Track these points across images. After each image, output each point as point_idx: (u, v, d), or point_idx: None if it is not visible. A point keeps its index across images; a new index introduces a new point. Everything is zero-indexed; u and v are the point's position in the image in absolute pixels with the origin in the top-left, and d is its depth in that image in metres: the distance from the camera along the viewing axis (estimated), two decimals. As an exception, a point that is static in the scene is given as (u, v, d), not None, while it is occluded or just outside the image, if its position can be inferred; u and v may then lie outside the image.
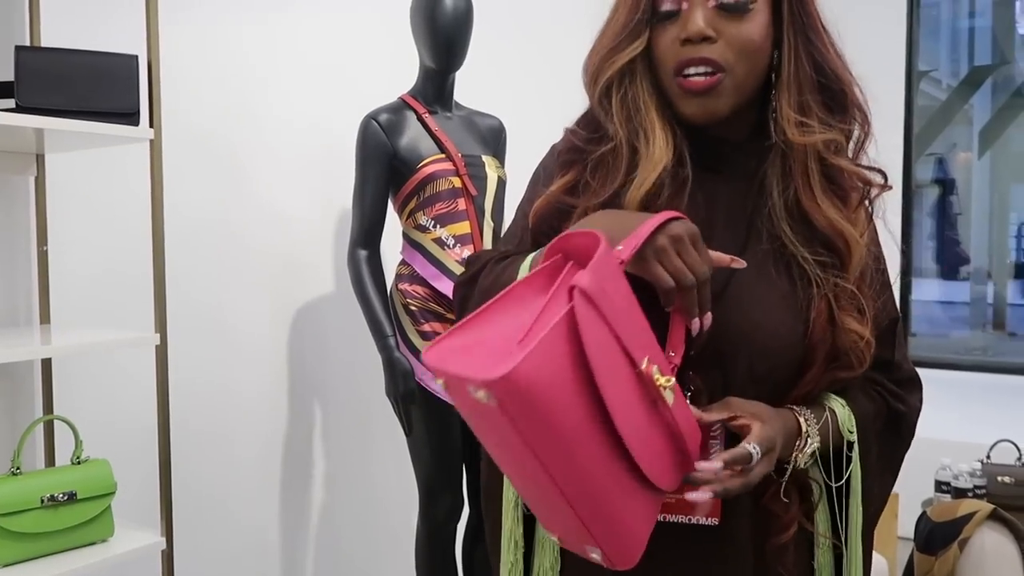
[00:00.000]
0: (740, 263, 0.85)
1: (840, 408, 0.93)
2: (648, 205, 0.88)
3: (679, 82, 0.89)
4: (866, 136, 0.94)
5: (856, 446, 0.93)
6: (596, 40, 0.96)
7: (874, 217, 0.97)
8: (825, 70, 0.91)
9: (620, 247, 0.78)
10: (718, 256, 0.84)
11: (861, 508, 0.94)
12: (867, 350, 0.91)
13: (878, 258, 0.97)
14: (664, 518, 0.87)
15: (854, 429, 0.93)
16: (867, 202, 0.95)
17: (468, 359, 0.70)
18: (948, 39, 6.97)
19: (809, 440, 0.89)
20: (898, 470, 1.02)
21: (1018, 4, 6.89)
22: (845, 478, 0.93)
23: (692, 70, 0.88)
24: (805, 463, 0.90)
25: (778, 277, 0.91)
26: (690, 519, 0.89)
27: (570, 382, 0.68)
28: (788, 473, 0.89)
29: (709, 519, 0.89)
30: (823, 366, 0.90)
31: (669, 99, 0.92)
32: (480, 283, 0.96)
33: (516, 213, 1.05)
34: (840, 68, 0.92)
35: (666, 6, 0.89)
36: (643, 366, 0.73)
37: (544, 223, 0.96)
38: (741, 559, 0.91)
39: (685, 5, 0.89)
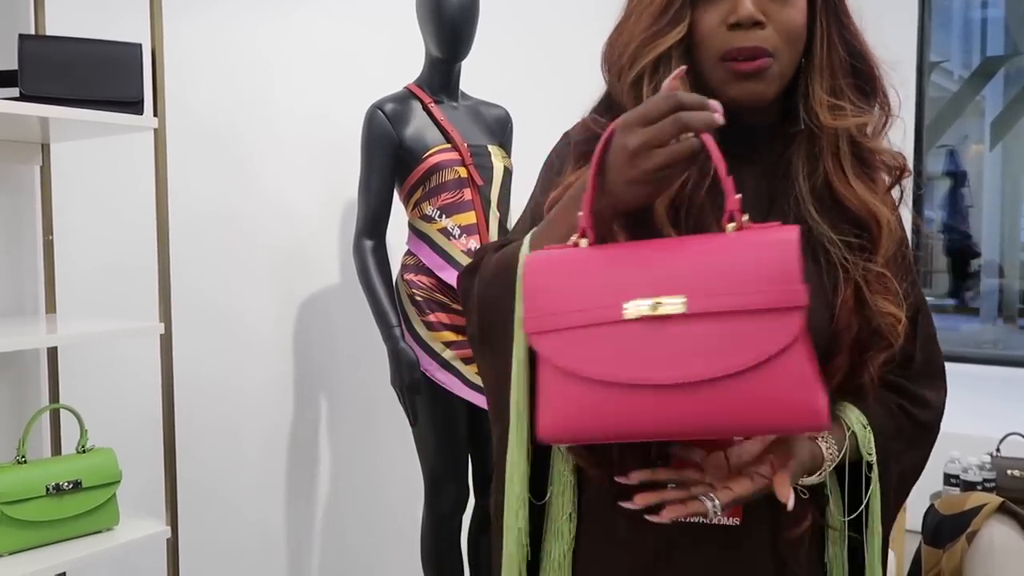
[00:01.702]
0: (680, 72, 0.79)
1: (860, 429, 0.91)
2: (674, 198, 0.86)
3: (728, 66, 0.85)
4: (887, 120, 0.92)
5: (876, 467, 0.91)
6: (623, 22, 0.91)
7: (900, 204, 0.95)
8: (858, 53, 0.90)
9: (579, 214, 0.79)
10: (662, 92, 0.78)
11: (880, 529, 0.93)
12: (903, 331, 0.89)
13: (904, 242, 0.96)
14: (685, 518, 0.85)
15: (873, 452, 0.91)
16: (898, 186, 0.94)
17: None
18: (960, 29, 6.91)
19: (824, 472, 0.88)
20: (918, 478, 1.00)
21: (1032, -6, 6.81)
22: (865, 500, 0.91)
23: (742, 56, 0.85)
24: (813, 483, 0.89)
25: (803, 262, 0.89)
26: (711, 519, 0.87)
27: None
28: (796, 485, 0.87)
29: (731, 519, 0.87)
30: (849, 354, 0.88)
31: (708, 85, 0.87)
32: (481, 272, 0.93)
33: (528, 203, 1.02)
34: (870, 52, 0.91)
35: None
36: (625, 315, 0.73)
37: None
38: (760, 557, 0.90)
39: None
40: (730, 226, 0.74)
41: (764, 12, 0.84)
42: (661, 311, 0.72)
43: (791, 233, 0.72)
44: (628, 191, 0.78)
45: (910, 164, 0.98)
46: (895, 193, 0.94)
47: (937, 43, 5.31)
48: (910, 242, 0.99)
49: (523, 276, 0.78)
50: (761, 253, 0.72)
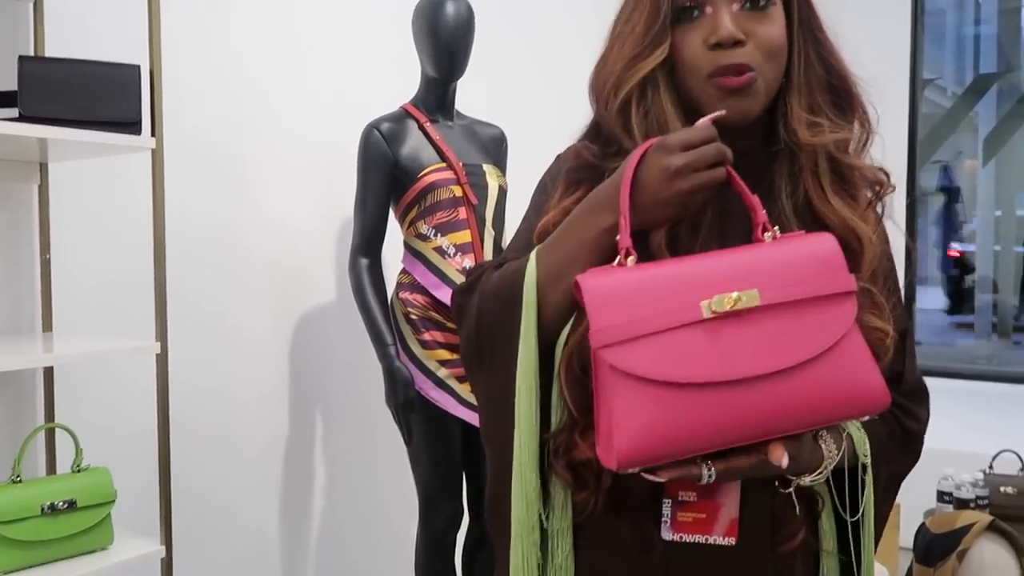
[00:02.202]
0: (721, 113, 0.84)
1: (856, 431, 0.91)
2: (673, 225, 0.86)
3: (715, 83, 0.86)
4: (868, 137, 0.93)
5: (870, 470, 0.91)
6: (608, 49, 0.92)
7: (883, 218, 0.96)
8: (834, 70, 0.91)
9: (619, 236, 0.80)
10: (701, 122, 0.83)
11: (873, 531, 0.93)
12: (892, 346, 0.89)
13: (889, 258, 0.96)
14: (680, 538, 0.86)
15: (868, 453, 0.91)
16: (878, 202, 0.94)
17: None
18: (953, 47, 6.96)
19: (825, 471, 0.87)
20: (899, 487, 1.01)
21: (1024, 11, 6.87)
22: (862, 506, 0.91)
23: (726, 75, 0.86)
24: (812, 482, 0.88)
25: None
26: (707, 539, 0.87)
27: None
28: (793, 485, 0.86)
29: (727, 538, 0.87)
30: None
31: (696, 104, 0.88)
32: (481, 289, 0.94)
33: (521, 224, 1.02)
34: (846, 68, 0.92)
35: (687, 8, 0.87)
36: (704, 313, 0.75)
37: None
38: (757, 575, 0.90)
39: (709, 9, 0.86)
40: (767, 235, 0.81)
41: (743, 30, 0.85)
42: (739, 305, 0.75)
43: (827, 235, 0.81)
44: (656, 211, 0.82)
45: (903, 180, 0.99)
46: (878, 208, 0.94)
47: (931, 60, 5.35)
48: (894, 257, 1.00)
49: (584, 296, 0.77)
50: (808, 250, 0.79)
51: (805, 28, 0.90)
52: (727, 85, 0.86)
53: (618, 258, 0.80)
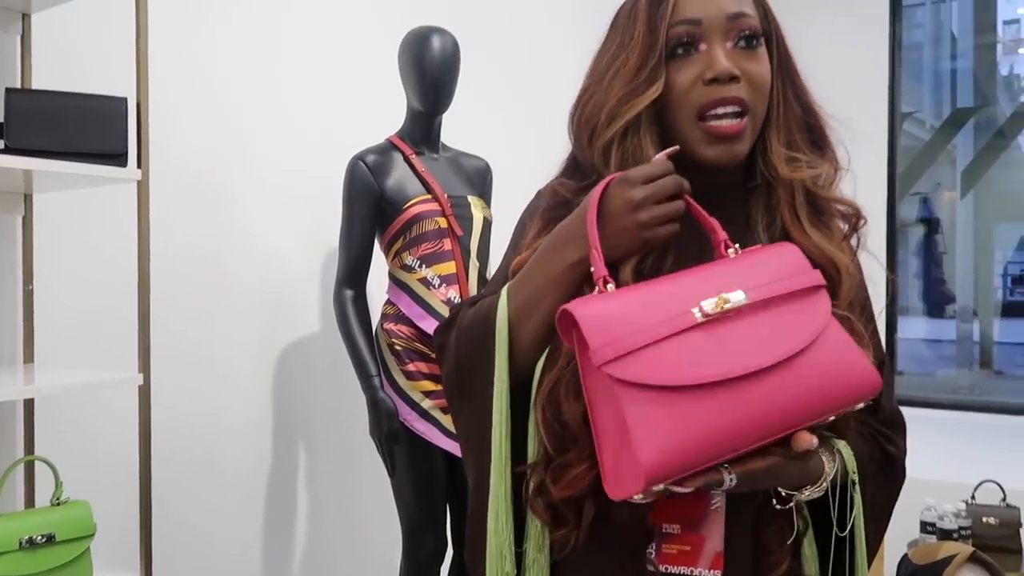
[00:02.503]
0: (673, 150, 0.86)
1: (844, 448, 0.91)
2: (640, 258, 0.87)
3: (705, 127, 0.88)
4: (838, 173, 0.96)
5: (859, 487, 0.91)
6: (594, 81, 0.92)
7: (857, 251, 0.97)
8: (810, 109, 0.94)
9: (593, 268, 0.82)
10: (658, 157, 0.86)
11: (865, 550, 0.92)
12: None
13: (865, 288, 0.98)
14: (666, 570, 0.86)
15: (857, 470, 0.91)
16: (854, 234, 0.96)
17: None
18: (931, 81, 7.09)
19: (824, 482, 0.86)
20: (890, 515, 1.01)
21: (999, 47, 7.02)
22: (850, 523, 0.91)
23: (721, 110, 0.87)
24: (811, 496, 0.88)
25: None
26: (692, 571, 0.88)
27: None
28: (794, 500, 0.86)
29: (712, 571, 0.88)
30: None
31: (680, 142, 0.89)
32: (458, 325, 0.95)
33: (501, 261, 1.04)
34: (819, 108, 0.95)
35: (683, 45, 0.88)
36: (697, 317, 0.77)
37: None
38: None
39: (703, 46, 0.88)
40: (730, 251, 0.85)
41: (737, 66, 0.87)
42: (728, 306, 0.77)
43: (786, 244, 0.86)
44: (621, 242, 0.84)
45: (884, 211, 1.02)
46: (853, 241, 0.96)
47: (909, 94, 5.45)
48: (874, 288, 1.02)
49: (578, 322, 0.77)
50: (773, 256, 0.84)
51: (784, 69, 0.93)
52: (719, 131, 0.87)
53: (596, 288, 0.81)
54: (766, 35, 0.92)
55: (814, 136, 0.94)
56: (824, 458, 0.87)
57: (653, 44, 0.88)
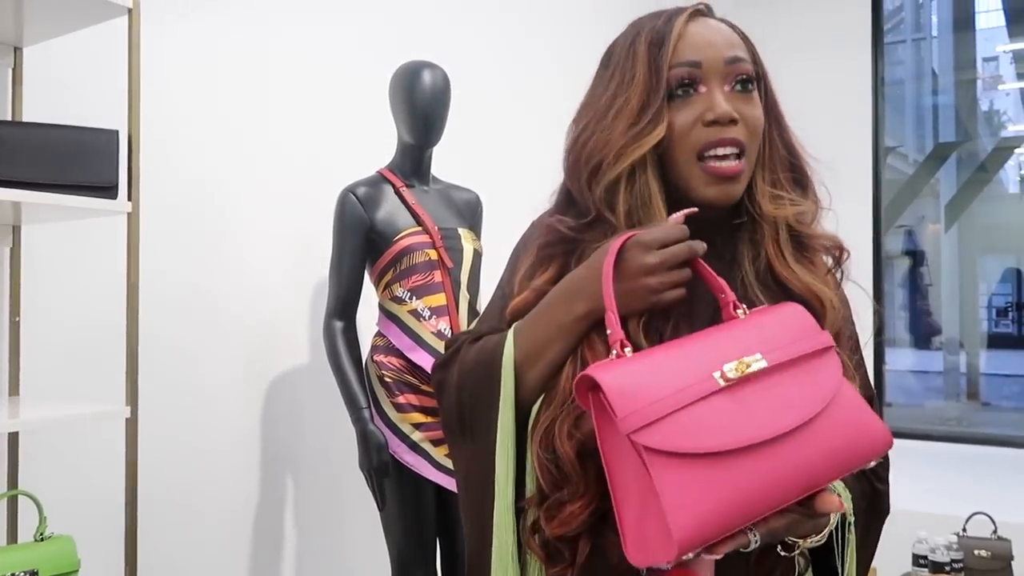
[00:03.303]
0: (692, 210, 0.88)
1: (843, 492, 0.92)
2: (650, 315, 0.89)
3: (706, 167, 0.89)
4: (818, 211, 0.98)
5: (854, 528, 0.92)
6: (592, 119, 0.93)
7: (842, 283, 0.99)
8: (794, 150, 0.97)
9: (608, 331, 0.82)
10: (674, 219, 0.87)
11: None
12: None
13: (851, 320, 0.99)
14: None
15: (853, 511, 0.92)
16: (838, 268, 0.98)
17: None
18: (913, 116, 7.20)
19: (827, 530, 0.86)
20: (875, 548, 1.01)
21: (979, 83, 7.15)
22: (845, 561, 0.91)
23: (721, 151, 0.89)
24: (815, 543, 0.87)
25: None
26: None
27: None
28: (799, 548, 0.86)
29: None
30: None
31: (681, 183, 0.91)
32: (460, 362, 0.96)
33: (495, 293, 1.04)
34: (801, 148, 0.98)
35: (683, 87, 0.90)
36: (720, 382, 0.77)
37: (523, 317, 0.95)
38: None
39: (703, 88, 0.90)
40: (739, 312, 0.86)
41: (735, 109, 0.90)
42: (749, 370, 0.78)
43: (790, 304, 0.87)
44: (630, 302, 0.85)
45: (869, 243, 1.04)
46: (837, 274, 0.99)
47: (892, 129, 5.53)
48: (857, 323, 1.03)
49: (602, 388, 0.76)
50: (782, 317, 0.85)
51: (771, 111, 0.96)
52: (720, 172, 0.89)
53: (614, 352, 0.81)
54: (756, 77, 0.94)
55: (797, 175, 0.97)
56: None
57: (656, 85, 0.90)
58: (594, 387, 0.77)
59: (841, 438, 0.78)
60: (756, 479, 0.74)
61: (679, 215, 0.87)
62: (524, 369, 0.90)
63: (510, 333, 0.91)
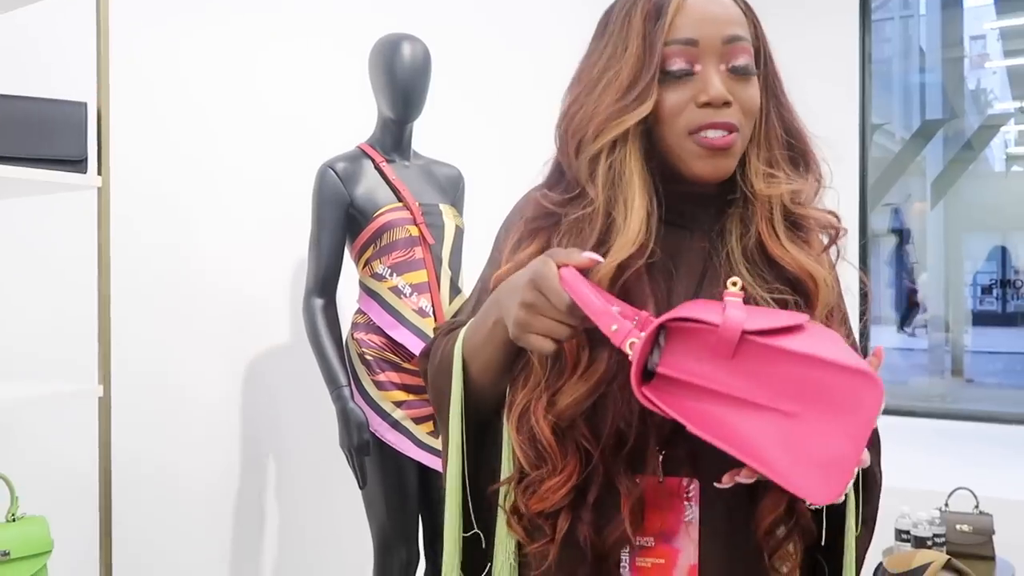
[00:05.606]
0: (597, 258, 0.82)
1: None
2: (615, 276, 0.86)
3: (698, 139, 0.87)
4: (819, 190, 0.96)
5: (850, 503, 0.92)
6: (583, 92, 0.91)
7: (836, 262, 0.98)
8: (792, 128, 0.94)
9: (615, 327, 0.78)
10: (576, 260, 0.81)
11: (854, 567, 0.93)
12: None
13: (841, 298, 0.99)
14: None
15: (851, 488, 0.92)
16: (833, 246, 0.96)
17: None
18: (900, 93, 7.19)
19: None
20: (872, 531, 1.01)
21: (966, 61, 7.14)
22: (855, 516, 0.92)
23: (712, 133, 0.87)
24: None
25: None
26: None
27: None
28: (794, 521, 0.88)
29: None
30: None
31: (672, 158, 0.89)
32: (431, 359, 1.00)
33: (483, 271, 1.04)
34: (802, 127, 0.96)
35: (678, 65, 0.87)
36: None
37: None
38: None
39: (699, 67, 0.87)
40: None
41: (730, 91, 0.87)
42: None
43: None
44: (506, 305, 0.85)
45: (856, 222, 1.02)
46: (832, 252, 0.97)
47: (879, 106, 5.51)
48: (846, 301, 1.01)
49: (688, 319, 0.76)
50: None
51: (770, 89, 0.94)
52: (712, 145, 0.87)
53: (628, 351, 0.76)
54: (756, 52, 0.92)
55: (794, 153, 0.95)
56: None
57: (648, 61, 0.87)
58: (649, 375, 0.77)
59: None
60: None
61: (588, 257, 0.81)
62: (469, 365, 0.93)
63: (461, 333, 0.94)
